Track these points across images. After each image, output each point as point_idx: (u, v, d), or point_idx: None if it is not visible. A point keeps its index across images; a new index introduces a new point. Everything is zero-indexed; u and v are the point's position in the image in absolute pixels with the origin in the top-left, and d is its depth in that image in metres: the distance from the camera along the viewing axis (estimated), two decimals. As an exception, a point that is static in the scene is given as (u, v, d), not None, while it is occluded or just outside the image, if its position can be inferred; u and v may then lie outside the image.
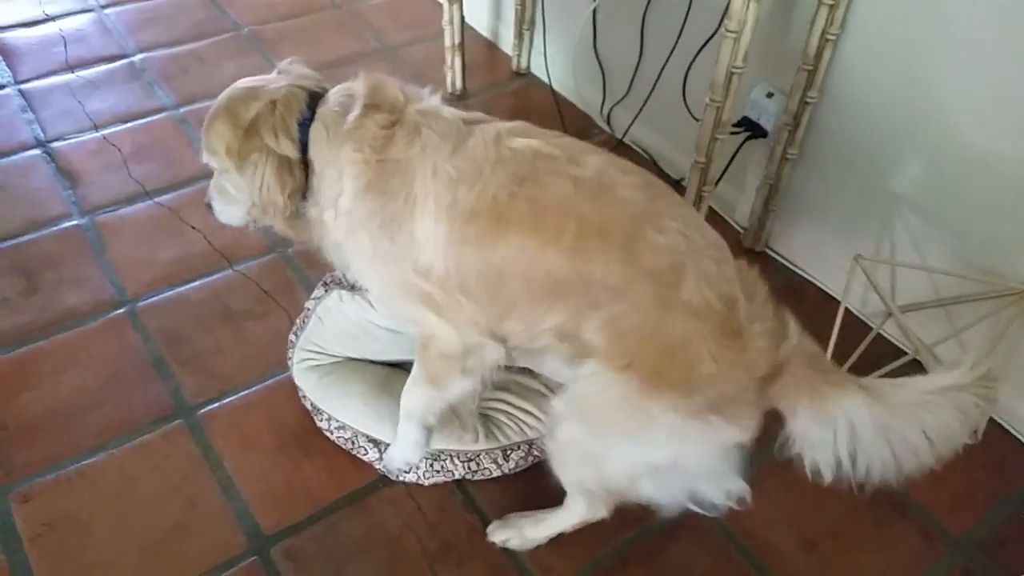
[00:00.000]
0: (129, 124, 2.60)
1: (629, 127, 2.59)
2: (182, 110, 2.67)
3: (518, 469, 1.75)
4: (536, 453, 1.75)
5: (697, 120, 2.15)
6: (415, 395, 1.55)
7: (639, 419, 1.31)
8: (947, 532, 1.76)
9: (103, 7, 3.11)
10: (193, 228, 2.25)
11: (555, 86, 2.83)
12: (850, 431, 1.27)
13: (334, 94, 1.40)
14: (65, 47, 2.89)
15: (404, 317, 1.49)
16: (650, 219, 1.27)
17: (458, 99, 2.81)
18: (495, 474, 1.74)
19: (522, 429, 1.76)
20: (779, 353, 1.29)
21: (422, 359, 1.50)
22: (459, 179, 1.29)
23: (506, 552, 1.64)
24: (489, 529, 1.66)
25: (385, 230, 1.34)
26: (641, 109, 2.49)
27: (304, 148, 1.38)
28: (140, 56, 2.89)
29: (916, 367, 1.96)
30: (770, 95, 2.12)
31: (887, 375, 1.93)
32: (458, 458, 1.72)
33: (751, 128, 2.17)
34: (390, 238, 1.35)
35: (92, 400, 1.84)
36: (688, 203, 1.40)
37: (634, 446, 1.37)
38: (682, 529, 1.73)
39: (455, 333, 1.40)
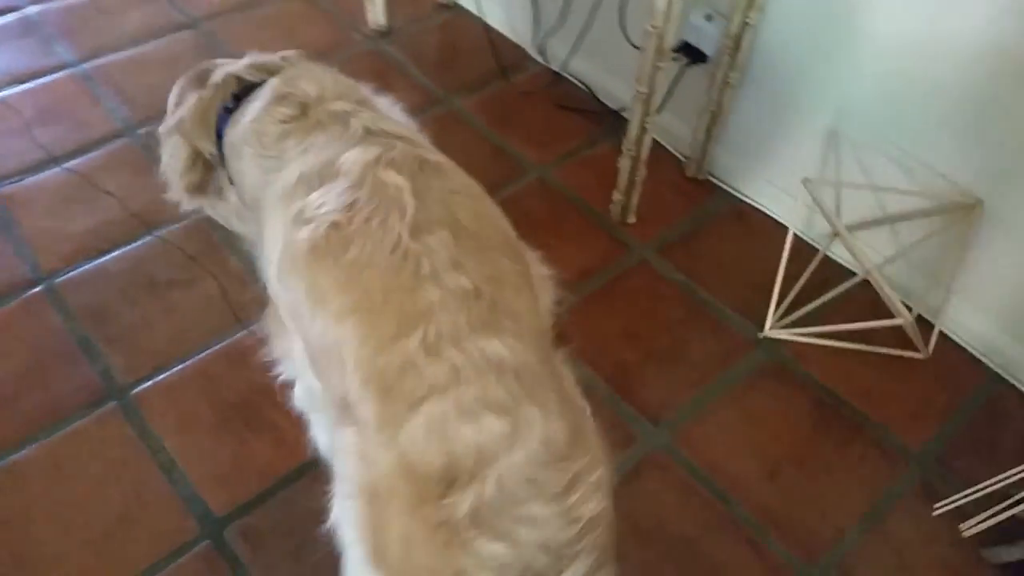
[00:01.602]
0: (28, 84, 2.40)
1: (566, 59, 2.49)
2: (85, 66, 2.47)
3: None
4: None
5: (637, 48, 2.06)
6: None
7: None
8: (905, 448, 1.78)
9: (-13, -44, 2.86)
10: (108, 193, 2.11)
11: (485, 18, 2.70)
12: None
13: (265, 86, 1.31)
14: (-53, 2, 2.65)
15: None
16: (438, 335, 0.97)
17: (382, 37, 2.67)
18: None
19: None
20: None
21: None
22: (309, 191, 1.12)
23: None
24: None
25: (261, 225, 1.23)
26: (579, 40, 2.39)
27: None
28: (35, 9, 2.66)
29: (866, 288, 1.95)
30: (709, 18, 2.05)
31: (837, 297, 1.93)
32: None
33: (691, 54, 2.09)
34: (262, 233, 1.23)
35: (14, 388, 1.72)
36: (526, 333, 1.03)
37: None
38: (644, 467, 1.71)
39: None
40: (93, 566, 1.48)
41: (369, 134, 1.18)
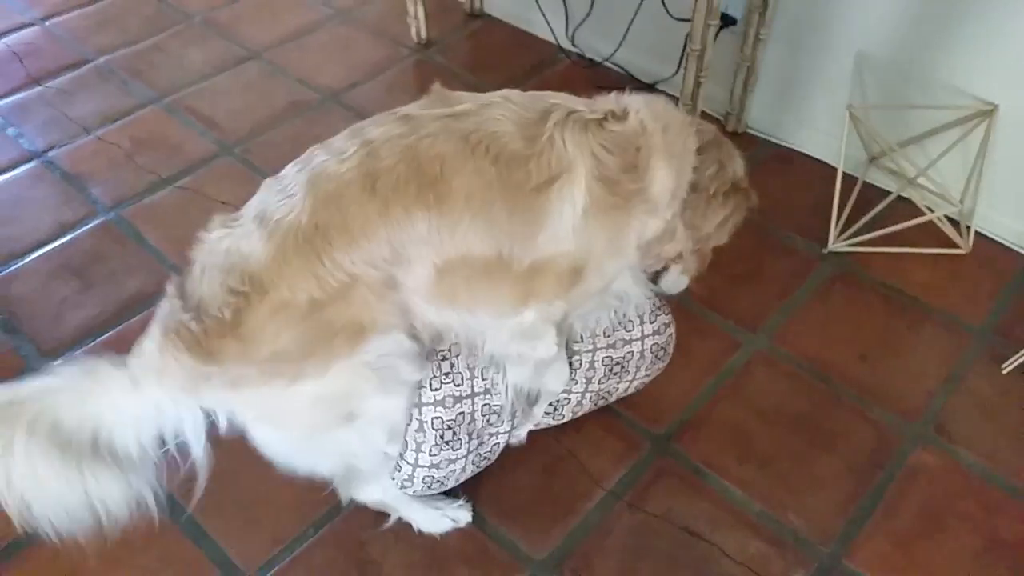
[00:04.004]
0: (119, 122, 2.63)
1: (598, 47, 2.76)
2: (166, 100, 2.71)
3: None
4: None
5: (677, 20, 2.37)
6: None
7: None
8: (968, 325, 2.05)
9: (44, 19, 3.08)
10: (223, 203, 2.32)
11: (513, 21, 3.00)
12: None
13: None
14: (21, 62, 2.86)
15: None
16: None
17: (426, 48, 2.94)
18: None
19: None
20: None
21: None
22: None
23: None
24: None
25: None
26: (608, 26, 2.68)
27: None
28: (103, 59, 2.89)
29: (907, 201, 2.25)
30: (735, -15, 2.35)
31: (883, 212, 2.22)
32: None
33: (721, 19, 2.38)
34: None
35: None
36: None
37: None
38: (753, 365, 1.96)
39: None
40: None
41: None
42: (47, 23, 3.06)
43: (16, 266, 2.17)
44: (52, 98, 2.72)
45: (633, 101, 1.42)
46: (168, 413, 1.31)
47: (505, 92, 1.42)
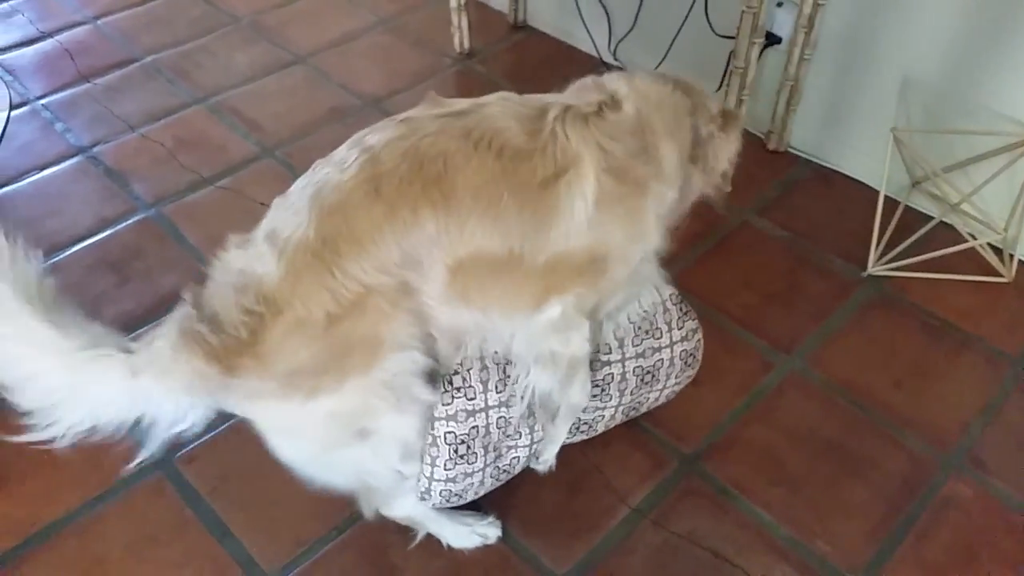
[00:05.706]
0: (163, 121, 2.67)
1: (640, 61, 2.76)
2: (211, 100, 2.75)
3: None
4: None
5: (721, 37, 2.35)
6: None
7: None
8: (1007, 355, 2.01)
9: (96, 18, 3.14)
10: (262, 204, 2.33)
11: (555, 34, 3.00)
12: None
13: None
14: (72, 59, 2.92)
15: None
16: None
17: (469, 58, 2.95)
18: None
19: None
20: None
21: None
22: None
23: (643, 431, 1.81)
24: None
25: None
26: (652, 41, 2.67)
27: None
28: (150, 58, 2.94)
29: (949, 227, 2.22)
30: (780, 4, 2.33)
31: (924, 237, 2.18)
32: None
33: (766, 37, 2.36)
34: None
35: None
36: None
37: None
38: (786, 387, 1.93)
39: None
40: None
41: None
42: (99, 22, 3.13)
43: (57, 258, 2.21)
44: (100, 95, 2.77)
45: (618, 87, 1.41)
46: (156, 405, 1.30)
47: (502, 93, 1.42)
